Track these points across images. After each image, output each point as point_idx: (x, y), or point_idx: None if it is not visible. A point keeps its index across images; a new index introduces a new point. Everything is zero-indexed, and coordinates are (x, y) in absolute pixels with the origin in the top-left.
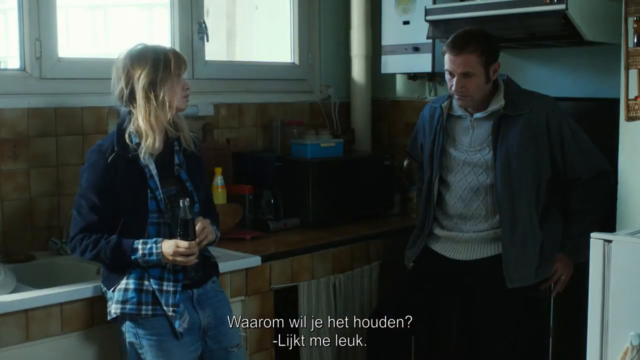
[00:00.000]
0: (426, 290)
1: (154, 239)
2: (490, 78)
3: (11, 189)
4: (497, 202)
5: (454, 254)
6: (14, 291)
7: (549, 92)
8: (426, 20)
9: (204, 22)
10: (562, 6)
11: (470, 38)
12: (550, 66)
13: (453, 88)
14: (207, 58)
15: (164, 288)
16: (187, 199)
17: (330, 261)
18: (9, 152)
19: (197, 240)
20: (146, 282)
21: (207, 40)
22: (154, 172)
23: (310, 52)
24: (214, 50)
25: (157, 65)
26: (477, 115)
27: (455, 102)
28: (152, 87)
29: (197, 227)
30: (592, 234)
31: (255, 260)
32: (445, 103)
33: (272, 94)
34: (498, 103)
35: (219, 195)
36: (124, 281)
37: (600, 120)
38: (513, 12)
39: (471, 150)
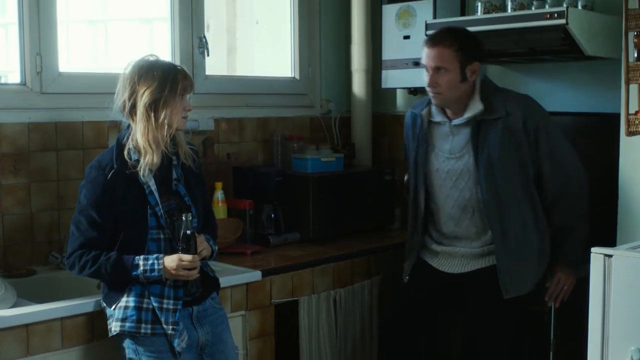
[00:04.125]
0: (424, 306)
1: (155, 255)
2: (467, 78)
3: (12, 203)
4: (486, 213)
5: (450, 268)
6: (14, 306)
7: (550, 107)
8: (427, 35)
9: (205, 37)
10: (563, 21)
11: (449, 33)
12: (550, 81)
13: (426, 83)
14: (207, 73)
15: (164, 306)
16: (189, 214)
17: (330, 276)
18: (10, 167)
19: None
20: (146, 300)
21: (208, 55)
22: (154, 187)
23: (310, 66)
24: (215, 65)
25: (163, 85)
26: (456, 121)
27: (434, 108)
28: (154, 106)
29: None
30: (593, 249)
31: (255, 275)
32: (424, 110)
33: (273, 109)
34: (476, 109)
35: (220, 209)
36: (124, 299)
37: (600, 134)
38: (513, 26)
39: (452, 157)
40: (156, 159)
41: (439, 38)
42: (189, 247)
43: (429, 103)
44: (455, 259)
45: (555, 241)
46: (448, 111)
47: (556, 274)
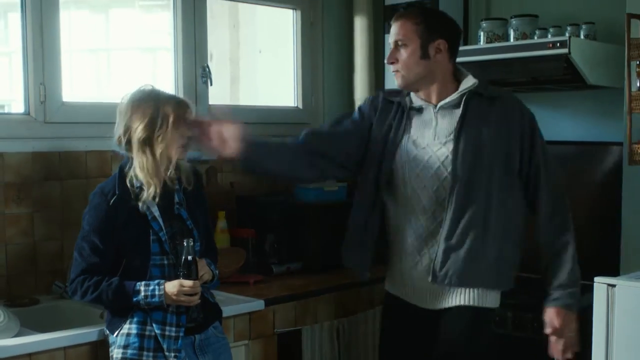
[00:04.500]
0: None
1: (157, 281)
2: (429, 55)
3: (15, 232)
4: (452, 199)
5: (423, 302)
6: (17, 335)
7: (552, 136)
8: None
9: (208, 66)
10: (565, 50)
11: (415, 7)
12: (553, 109)
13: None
14: (210, 102)
15: (167, 333)
16: (191, 239)
17: (333, 305)
18: (13, 196)
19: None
20: (148, 327)
21: (211, 84)
22: (157, 213)
23: (313, 95)
24: (218, 94)
25: (154, 122)
26: (444, 102)
27: (412, 94)
28: (147, 142)
29: None
30: (596, 279)
31: (258, 304)
32: (407, 98)
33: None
34: (469, 82)
35: (222, 238)
36: (126, 325)
37: (603, 164)
38: (516, 56)
39: (435, 143)
40: (158, 190)
41: (403, 12)
42: (190, 272)
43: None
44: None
45: (548, 271)
46: (426, 97)
47: (550, 322)
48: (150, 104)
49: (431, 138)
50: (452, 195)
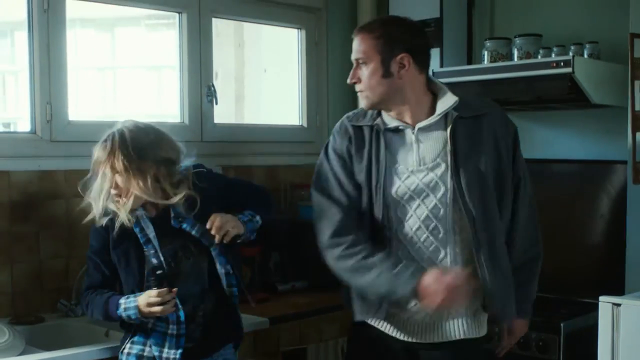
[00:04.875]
0: None
1: (136, 293)
2: (392, 73)
3: (21, 250)
4: (474, 235)
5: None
6: (22, 353)
7: (556, 154)
8: None
9: (213, 85)
10: (569, 70)
11: (377, 20)
12: (557, 128)
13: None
14: (216, 121)
15: (164, 355)
16: (151, 247)
17: (338, 323)
18: (19, 214)
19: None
20: (148, 349)
21: (216, 103)
22: (152, 235)
23: (318, 114)
24: (223, 113)
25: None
26: (423, 124)
27: (385, 114)
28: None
29: (208, 224)
30: (601, 298)
31: (263, 323)
32: (378, 119)
33: (281, 157)
34: (449, 101)
35: None
36: (128, 345)
37: (607, 182)
38: (520, 75)
39: (421, 170)
40: (130, 218)
41: (362, 26)
42: (157, 281)
43: (379, 112)
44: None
45: (521, 284)
46: (400, 118)
47: (514, 329)
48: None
49: (415, 164)
50: (461, 231)
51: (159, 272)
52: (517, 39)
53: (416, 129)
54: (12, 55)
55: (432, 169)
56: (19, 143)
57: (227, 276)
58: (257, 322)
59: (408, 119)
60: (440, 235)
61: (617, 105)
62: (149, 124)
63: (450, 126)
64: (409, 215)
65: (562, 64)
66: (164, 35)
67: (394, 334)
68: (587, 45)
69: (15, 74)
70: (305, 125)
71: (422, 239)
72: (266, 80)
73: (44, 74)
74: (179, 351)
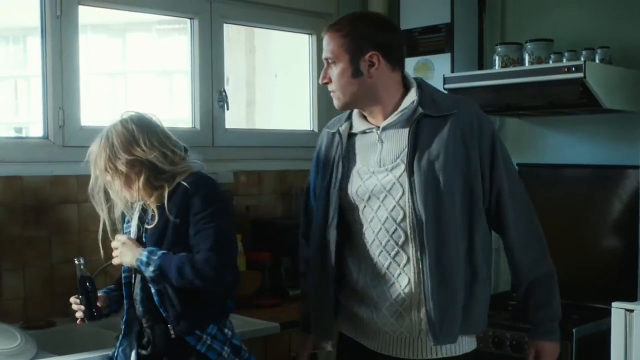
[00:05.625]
0: None
1: None
2: (362, 72)
3: (33, 255)
4: (424, 237)
5: (387, 349)
6: (34, 357)
7: (568, 159)
8: (444, 89)
9: (224, 91)
10: (580, 75)
11: (346, 16)
12: (568, 133)
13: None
14: (227, 126)
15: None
16: (81, 258)
17: None
18: (32, 219)
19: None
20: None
21: (227, 108)
22: (127, 231)
23: (328, 119)
24: (234, 118)
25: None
26: (386, 122)
27: (355, 118)
28: None
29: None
30: (614, 304)
31: (274, 328)
32: (344, 125)
33: (292, 162)
34: (409, 100)
35: (238, 262)
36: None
37: (619, 187)
38: (531, 80)
39: (381, 170)
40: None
41: (331, 24)
42: (79, 290)
43: (350, 116)
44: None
45: (526, 303)
46: (372, 118)
47: (542, 350)
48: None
49: (376, 164)
50: (416, 235)
51: (124, 273)
52: (528, 44)
53: (380, 129)
54: (25, 60)
55: (391, 170)
56: (32, 148)
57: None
58: (268, 327)
59: (381, 119)
60: (402, 239)
61: (629, 110)
62: (135, 119)
63: (411, 125)
64: (370, 217)
65: (573, 69)
66: (175, 40)
67: (373, 348)
68: (599, 50)
69: (27, 79)
70: (315, 130)
71: (383, 243)
72: (277, 85)
73: (57, 80)
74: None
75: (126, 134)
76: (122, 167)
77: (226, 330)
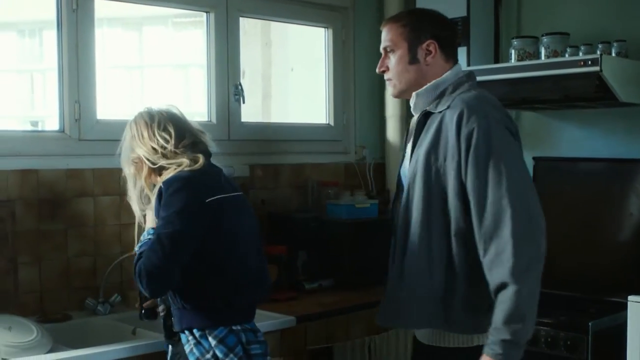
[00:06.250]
0: None
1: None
2: (419, 59)
3: (49, 248)
4: (395, 221)
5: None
6: (50, 351)
7: (584, 153)
8: None
9: (240, 84)
10: (597, 68)
11: (404, 11)
12: (585, 127)
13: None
14: (243, 119)
15: None
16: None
17: (365, 322)
18: (48, 212)
19: None
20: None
21: (244, 102)
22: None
23: (345, 113)
24: (250, 112)
25: None
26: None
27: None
28: None
29: None
30: (630, 297)
31: (290, 321)
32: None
33: (308, 155)
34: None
35: None
36: None
37: (635, 181)
38: (548, 73)
39: (407, 157)
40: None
41: (390, 17)
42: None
43: None
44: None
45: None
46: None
47: None
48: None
49: (408, 152)
50: (399, 218)
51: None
52: (544, 37)
53: (415, 117)
54: (41, 54)
55: (409, 160)
56: (48, 142)
57: None
58: (284, 320)
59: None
60: (398, 222)
61: None
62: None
63: (420, 117)
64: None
65: (589, 62)
66: (192, 34)
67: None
68: (615, 44)
69: (43, 72)
70: (332, 123)
71: (396, 224)
72: (293, 79)
73: (73, 73)
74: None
75: (129, 132)
76: (128, 168)
77: (211, 339)
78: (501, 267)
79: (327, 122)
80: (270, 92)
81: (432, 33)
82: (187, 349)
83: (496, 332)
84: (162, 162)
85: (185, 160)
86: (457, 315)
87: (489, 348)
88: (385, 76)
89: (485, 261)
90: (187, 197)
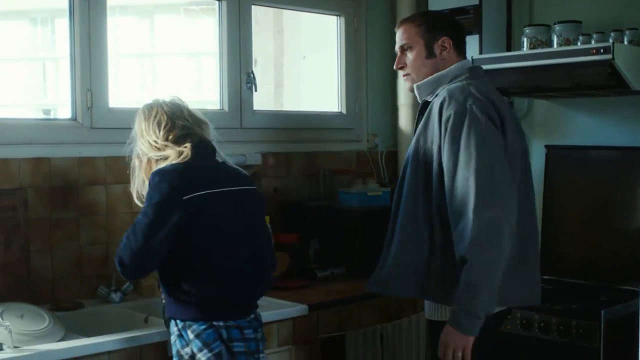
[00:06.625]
0: None
1: None
2: (435, 54)
3: (61, 237)
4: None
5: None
6: (63, 339)
7: (596, 141)
8: None
9: (252, 72)
10: (609, 56)
11: (417, 13)
12: (596, 115)
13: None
14: (255, 108)
15: None
16: None
17: (377, 310)
18: (60, 200)
19: None
20: None
21: (256, 90)
22: None
23: (357, 101)
24: (262, 100)
25: None
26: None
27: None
28: None
29: None
30: None
31: (302, 309)
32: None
33: (320, 143)
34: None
35: None
36: None
37: None
38: (560, 62)
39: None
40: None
41: (403, 18)
42: None
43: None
44: None
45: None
46: None
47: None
48: None
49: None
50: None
51: None
52: (556, 25)
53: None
54: (53, 42)
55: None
56: (60, 130)
57: None
58: (296, 308)
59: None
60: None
61: None
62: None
63: (421, 105)
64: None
65: (601, 50)
66: (203, 22)
67: None
68: (627, 32)
69: (55, 60)
70: (344, 112)
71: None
72: (305, 67)
73: (85, 61)
74: None
75: (134, 126)
76: (133, 160)
77: (189, 332)
78: (462, 242)
79: (340, 110)
80: (283, 80)
81: (446, 30)
82: (172, 338)
83: (455, 302)
84: (153, 154)
85: (171, 153)
86: (435, 284)
87: (450, 317)
88: (403, 72)
89: (454, 236)
90: (164, 190)
